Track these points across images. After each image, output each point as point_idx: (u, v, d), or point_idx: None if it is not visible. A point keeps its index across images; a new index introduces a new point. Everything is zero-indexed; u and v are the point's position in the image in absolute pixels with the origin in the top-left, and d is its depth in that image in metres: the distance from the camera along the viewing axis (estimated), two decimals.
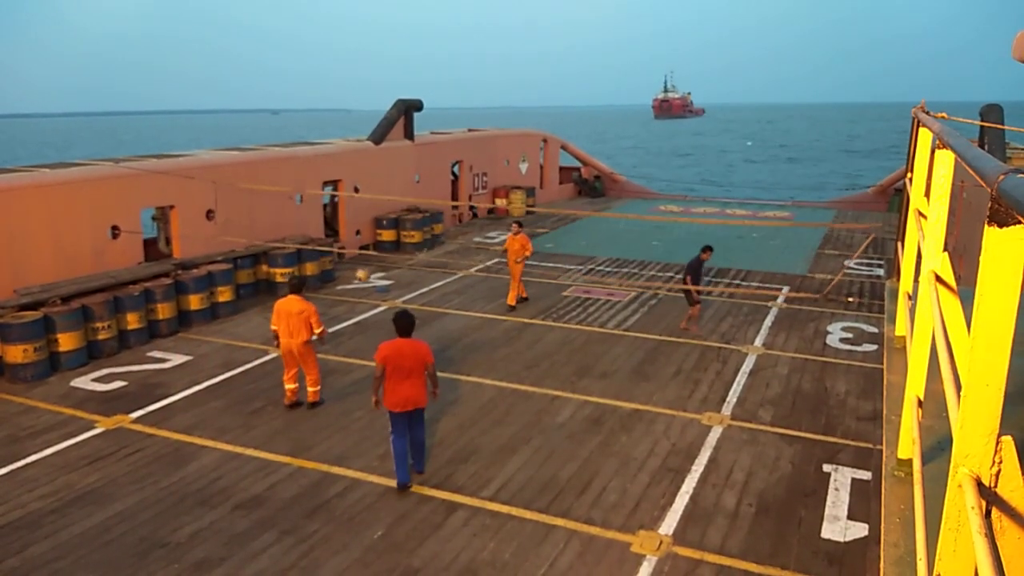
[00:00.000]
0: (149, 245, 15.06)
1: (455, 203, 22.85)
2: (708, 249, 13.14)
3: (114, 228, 13.77)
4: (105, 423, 9.66)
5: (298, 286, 9.88)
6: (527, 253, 14.63)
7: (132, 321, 12.54)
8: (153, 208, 15.25)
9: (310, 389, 10.12)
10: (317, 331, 9.71)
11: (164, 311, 13.02)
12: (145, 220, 15.24)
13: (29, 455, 8.79)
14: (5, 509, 7.67)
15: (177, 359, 12.02)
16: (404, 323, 8.08)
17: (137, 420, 9.78)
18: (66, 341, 11.49)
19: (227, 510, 7.63)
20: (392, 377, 7.87)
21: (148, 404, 10.24)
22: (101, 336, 12.07)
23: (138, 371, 11.49)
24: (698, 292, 13.22)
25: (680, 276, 14.31)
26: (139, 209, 14.58)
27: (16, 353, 11.01)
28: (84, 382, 11.11)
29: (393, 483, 8.07)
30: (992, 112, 17.90)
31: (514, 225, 14.90)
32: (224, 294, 14.26)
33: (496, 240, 21.47)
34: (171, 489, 8.04)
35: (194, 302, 13.56)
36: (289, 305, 9.65)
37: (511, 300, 14.72)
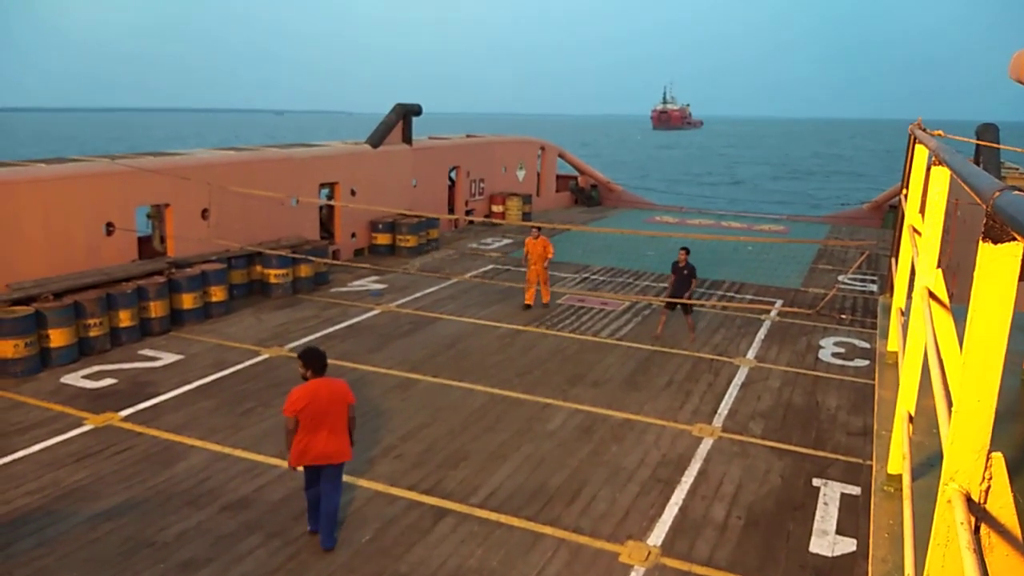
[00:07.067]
0: (144, 243, 15.01)
1: (452, 216, 22.83)
2: (684, 250, 13.52)
3: (108, 225, 13.73)
4: (94, 420, 9.61)
5: None
6: (549, 256, 14.85)
7: (124, 319, 12.48)
8: (148, 206, 15.21)
9: None
10: None
11: (157, 309, 12.98)
12: (140, 218, 15.20)
13: (17, 451, 8.74)
14: None
15: (168, 358, 11.97)
16: (322, 359, 6.77)
17: (126, 418, 9.72)
18: (57, 337, 11.43)
19: (215, 511, 7.58)
20: (307, 428, 6.56)
21: (138, 402, 10.19)
22: (93, 333, 12.01)
23: (129, 369, 11.44)
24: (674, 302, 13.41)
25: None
26: (134, 207, 14.53)
27: (7, 348, 10.95)
28: (74, 379, 11.05)
29: (381, 487, 8.04)
30: (988, 131, 18.01)
31: (534, 229, 15.08)
32: (217, 294, 14.20)
33: (492, 246, 21.49)
34: (159, 488, 8.00)
35: (187, 301, 13.51)
36: None
37: (529, 299, 15.17)
